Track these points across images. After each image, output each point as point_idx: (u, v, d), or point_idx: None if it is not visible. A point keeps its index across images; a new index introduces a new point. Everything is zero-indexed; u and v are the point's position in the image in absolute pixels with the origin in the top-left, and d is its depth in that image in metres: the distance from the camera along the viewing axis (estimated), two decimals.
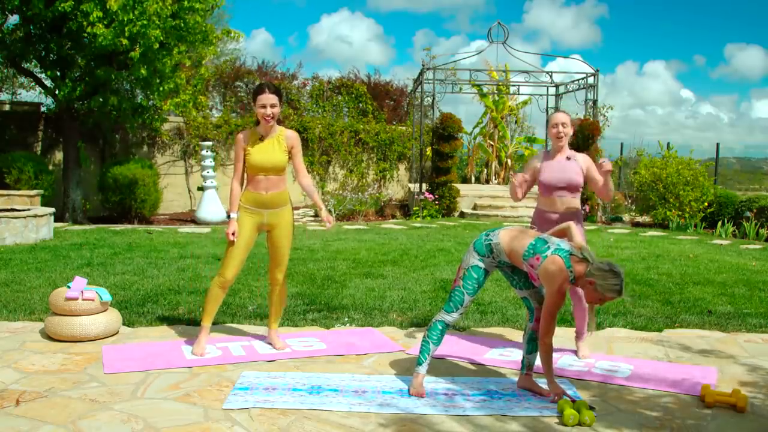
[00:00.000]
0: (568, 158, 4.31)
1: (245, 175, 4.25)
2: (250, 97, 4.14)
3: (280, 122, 4.34)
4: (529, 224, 4.44)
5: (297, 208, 15.59)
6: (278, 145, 4.20)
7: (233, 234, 4.15)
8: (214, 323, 4.97)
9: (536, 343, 3.72)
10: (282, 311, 4.53)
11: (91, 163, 13.81)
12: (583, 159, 4.35)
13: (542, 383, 3.80)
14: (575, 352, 4.43)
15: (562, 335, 4.88)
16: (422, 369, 3.70)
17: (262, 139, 4.18)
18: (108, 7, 9.73)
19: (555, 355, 4.38)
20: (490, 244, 3.64)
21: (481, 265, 3.65)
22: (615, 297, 3.40)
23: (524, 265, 3.55)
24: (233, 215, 4.19)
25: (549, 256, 3.44)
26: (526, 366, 3.77)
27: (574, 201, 4.30)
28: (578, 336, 4.43)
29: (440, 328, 3.69)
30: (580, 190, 4.32)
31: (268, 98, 4.09)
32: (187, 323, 4.95)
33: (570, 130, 4.31)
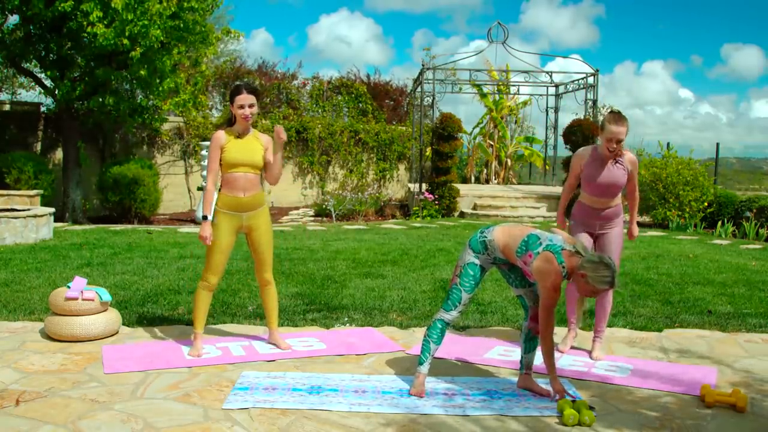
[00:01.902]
0: (616, 161, 4.23)
1: (220, 176, 4.22)
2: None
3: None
4: (570, 217, 4.50)
5: (297, 208, 15.59)
6: (256, 142, 4.21)
7: (208, 238, 4.11)
8: (214, 323, 4.98)
9: (533, 342, 3.73)
10: (278, 309, 4.52)
11: (91, 163, 13.81)
12: (629, 161, 4.25)
13: (542, 383, 3.80)
14: (589, 353, 4.41)
15: (562, 335, 4.87)
16: (424, 368, 3.70)
17: (239, 136, 4.18)
18: (113, 6, 9.72)
19: (555, 355, 4.38)
20: (484, 240, 3.66)
21: (477, 261, 3.66)
22: (606, 288, 3.43)
23: (518, 262, 3.57)
24: (208, 217, 4.11)
25: (541, 252, 3.45)
26: (525, 365, 3.78)
27: (617, 198, 4.34)
28: (595, 335, 4.42)
29: (440, 327, 3.69)
30: (621, 190, 4.34)
31: (247, 98, 4.11)
32: (187, 323, 4.95)
33: (622, 147, 4.16)
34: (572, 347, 4.57)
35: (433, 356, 3.72)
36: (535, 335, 3.71)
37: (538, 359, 3.79)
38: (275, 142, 4.19)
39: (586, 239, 4.34)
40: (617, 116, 4.15)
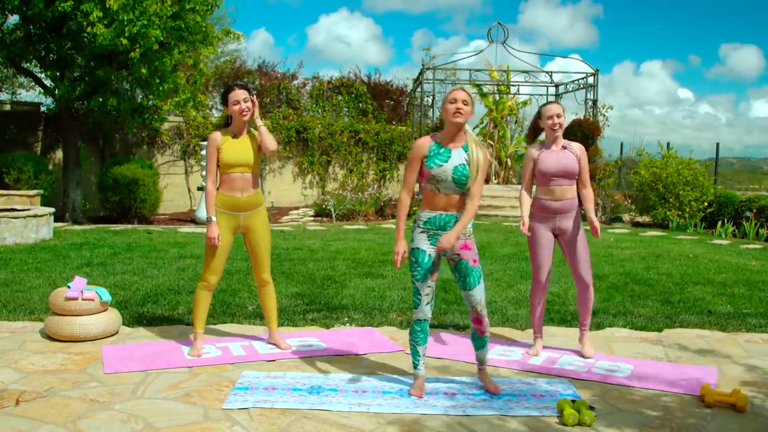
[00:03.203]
0: (564, 147, 4.32)
1: (219, 176, 4.24)
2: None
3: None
4: (528, 215, 4.40)
5: (297, 208, 15.59)
6: (252, 141, 4.21)
7: (217, 238, 4.14)
8: (214, 323, 4.98)
9: (480, 341, 3.73)
10: (277, 309, 4.52)
11: (91, 163, 13.81)
12: (578, 147, 4.38)
13: (543, 382, 3.80)
14: (579, 352, 4.40)
15: (562, 335, 4.88)
16: (419, 371, 3.70)
17: (235, 136, 4.19)
18: (108, 6, 9.73)
19: (555, 354, 4.38)
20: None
21: (415, 244, 3.60)
22: (455, 92, 3.49)
23: (429, 189, 3.55)
24: (213, 218, 4.15)
25: None
26: (478, 361, 3.80)
27: (572, 189, 4.31)
28: (581, 330, 4.41)
29: (418, 329, 3.66)
30: (576, 177, 4.32)
31: (239, 94, 4.13)
32: (186, 323, 4.95)
33: (564, 120, 4.32)
34: (573, 348, 4.57)
35: (424, 356, 3.71)
36: (480, 336, 3.71)
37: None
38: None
39: (547, 240, 4.31)
40: (549, 101, 4.51)
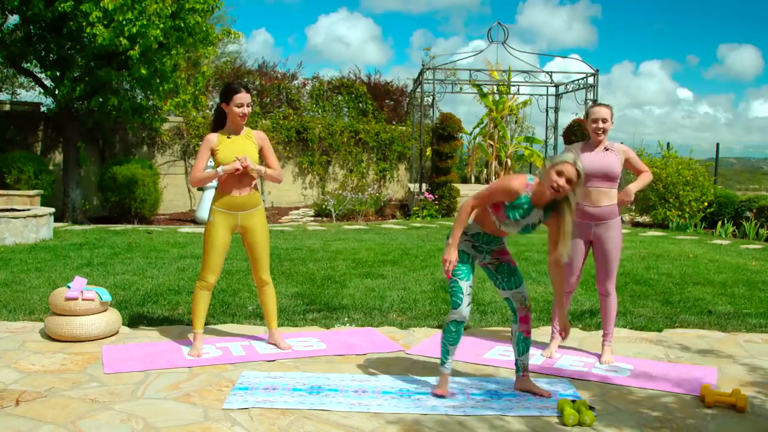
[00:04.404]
0: (606, 149, 4.21)
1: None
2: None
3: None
4: None
5: (297, 208, 15.59)
6: (248, 141, 4.22)
7: (240, 166, 4.03)
8: (214, 323, 4.98)
9: (526, 343, 3.69)
10: (276, 309, 4.51)
11: (91, 163, 13.81)
12: (620, 147, 4.27)
13: (543, 382, 3.80)
14: (599, 357, 4.34)
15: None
16: (446, 369, 3.66)
17: (230, 137, 4.19)
18: (103, 5, 9.73)
19: (555, 354, 4.38)
20: None
21: (459, 247, 3.61)
22: (570, 162, 3.33)
23: (492, 219, 3.53)
24: (219, 170, 4.08)
25: None
26: (522, 368, 3.74)
27: (609, 195, 4.19)
28: (604, 340, 4.36)
29: (453, 329, 3.62)
30: (617, 181, 4.21)
31: (245, 97, 4.12)
32: (186, 323, 4.95)
33: (610, 125, 4.21)
34: (573, 348, 4.57)
35: (453, 356, 3.67)
36: (527, 337, 3.68)
37: (537, 359, 3.76)
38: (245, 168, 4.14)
39: (578, 248, 4.27)
40: (599, 103, 4.42)
